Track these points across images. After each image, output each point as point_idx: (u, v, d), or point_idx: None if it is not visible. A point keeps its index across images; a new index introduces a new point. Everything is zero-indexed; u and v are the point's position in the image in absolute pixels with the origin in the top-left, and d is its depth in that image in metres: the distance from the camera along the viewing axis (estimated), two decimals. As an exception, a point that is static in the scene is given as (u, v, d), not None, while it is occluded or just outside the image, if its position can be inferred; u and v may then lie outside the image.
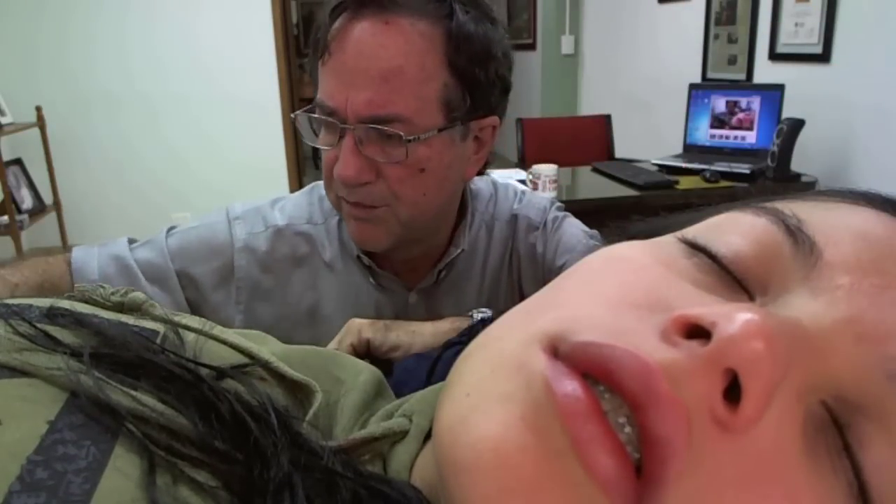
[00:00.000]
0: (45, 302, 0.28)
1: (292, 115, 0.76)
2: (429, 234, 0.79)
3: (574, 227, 0.87)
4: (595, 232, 0.87)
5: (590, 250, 0.30)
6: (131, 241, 0.83)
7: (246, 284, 0.80)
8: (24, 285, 0.72)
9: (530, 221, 0.87)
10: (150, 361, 0.26)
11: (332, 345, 0.67)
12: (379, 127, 0.67)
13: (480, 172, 0.81)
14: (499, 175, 2.33)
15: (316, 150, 6.24)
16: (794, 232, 0.26)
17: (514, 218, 0.87)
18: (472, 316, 0.70)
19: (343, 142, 0.68)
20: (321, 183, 0.87)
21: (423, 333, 0.67)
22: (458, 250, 0.82)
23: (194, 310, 0.80)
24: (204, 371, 0.27)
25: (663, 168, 2.56)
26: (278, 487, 0.23)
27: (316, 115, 0.72)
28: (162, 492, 0.21)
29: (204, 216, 0.84)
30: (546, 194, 2.17)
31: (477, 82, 0.70)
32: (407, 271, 0.83)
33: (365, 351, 0.66)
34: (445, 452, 0.24)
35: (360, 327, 0.67)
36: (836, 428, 0.22)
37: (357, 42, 0.66)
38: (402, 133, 0.67)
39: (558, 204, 0.91)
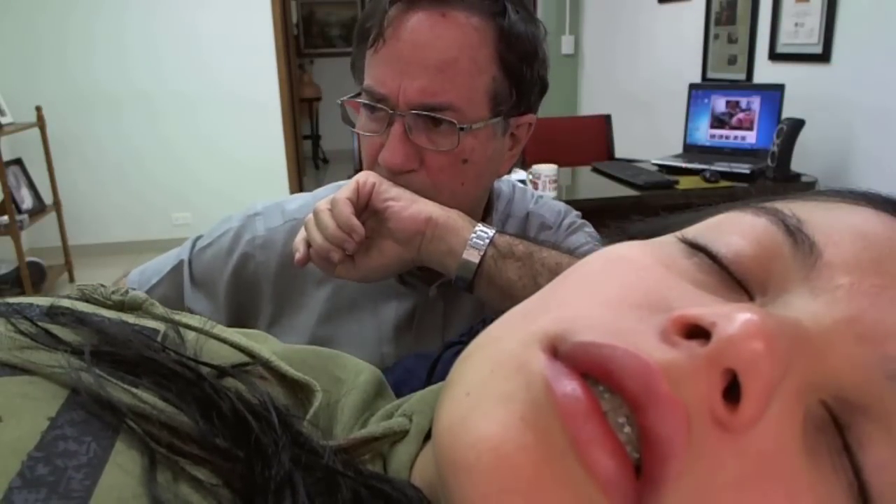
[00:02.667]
0: (45, 300, 0.28)
1: (338, 101, 0.78)
2: None
3: (587, 237, 0.87)
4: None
5: None
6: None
7: (267, 278, 0.80)
8: None
9: (544, 221, 0.87)
10: (150, 359, 0.26)
11: (343, 191, 0.68)
12: (433, 114, 0.69)
13: (509, 170, 0.82)
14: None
15: (316, 151, 6.23)
16: (794, 232, 0.26)
17: (528, 216, 0.88)
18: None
19: (392, 129, 0.70)
20: (345, 182, 0.89)
21: (426, 202, 0.69)
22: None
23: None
24: (205, 369, 0.27)
25: (663, 168, 2.55)
26: (279, 486, 0.23)
27: (362, 101, 0.73)
28: (163, 488, 0.21)
29: (226, 220, 0.85)
30: (546, 194, 2.17)
31: (523, 79, 0.73)
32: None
33: (367, 194, 0.68)
34: (445, 452, 0.24)
35: (368, 174, 0.70)
36: (836, 428, 0.22)
37: (413, 32, 0.68)
38: (454, 121, 0.69)
39: (578, 212, 0.92)
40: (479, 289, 0.67)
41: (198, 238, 0.84)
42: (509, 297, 0.65)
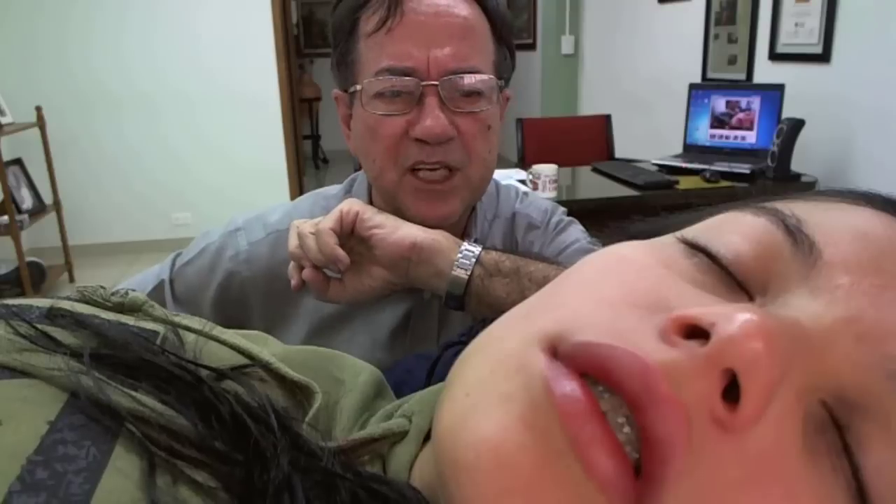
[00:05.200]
0: (45, 302, 0.28)
1: (357, 87, 0.75)
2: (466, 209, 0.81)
3: (577, 234, 0.86)
4: (597, 241, 0.87)
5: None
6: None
7: (256, 293, 0.79)
8: None
9: (531, 221, 0.87)
10: (150, 362, 0.26)
11: (326, 221, 0.68)
12: (473, 73, 0.71)
13: None
14: (499, 175, 2.32)
15: (316, 151, 6.18)
16: (794, 232, 0.26)
17: (514, 216, 0.87)
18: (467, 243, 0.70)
19: (426, 100, 0.70)
20: (326, 189, 0.87)
21: (411, 226, 0.69)
22: (472, 240, 0.82)
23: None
24: (204, 372, 0.27)
25: (663, 168, 2.55)
26: (278, 489, 0.23)
27: (381, 80, 0.71)
28: (162, 492, 0.21)
29: (204, 235, 0.83)
30: (546, 194, 2.17)
31: (512, 52, 0.77)
32: None
33: (351, 223, 0.68)
34: (445, 453, 0.24)
35: (352, 202, 0.70)
36: (835, 428, 0.22)
37: (430, 4, 0.70)
38: (493, 76, 0.72)
39: (564, 209, 0.91)
40: (469, 308, 0.68)
41: (177, 255, 0.84)
42: (500, 315, 0.65)
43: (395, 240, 0.67)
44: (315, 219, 0.71)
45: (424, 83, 0.70)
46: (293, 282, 0.70)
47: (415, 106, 0.71)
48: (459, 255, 0.67)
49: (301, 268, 0.70)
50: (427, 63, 0.69)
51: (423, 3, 0.70)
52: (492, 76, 0.72)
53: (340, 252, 0.66)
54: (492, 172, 0.78)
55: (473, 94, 0.72)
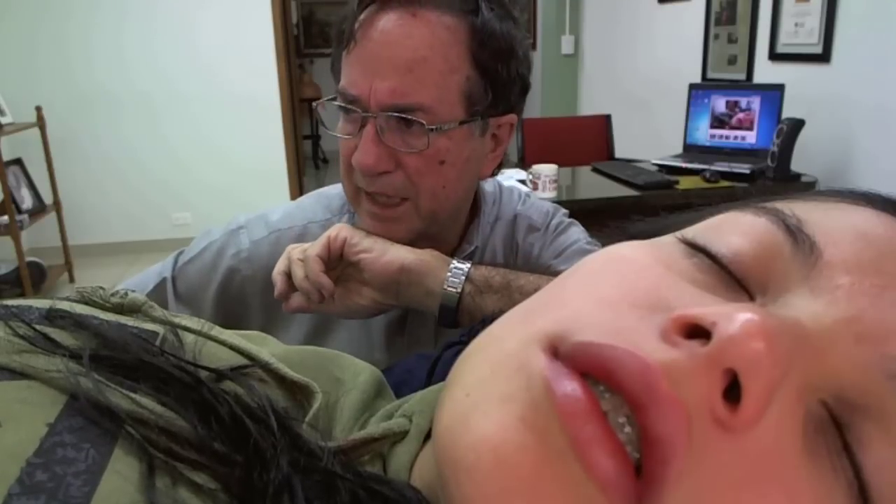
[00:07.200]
0: (44, 303, 0.28)
1: (314, 104, 0.77)
2: (444, 230, 0.79)
3: (577, 235, 0.86)
4: (596, 242, 0.87)
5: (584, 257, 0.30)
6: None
7: (255, 291, 0.80)
8: None
9: (532, 223, 0.87)
10: (149, 363, 0.26)
11: (314, 247, 0.69)
12: (401, 115, 0.67)
13: (494, 172, 0.81)
14: (499, 176, 2.32)
15: (316, 151, 6.17)
16: (794, 231, 0.26)
17: (515, 218, 0.87)
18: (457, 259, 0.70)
19: (364, 130, 0.69)
20: (328, 188, 0.88)
21: (399, 248, 0.69)
22: (472, 248, 0.82)
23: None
24: (203, 373, 0.27)
25: (663, 168, 2.55)
26: (278, 489, 0.23)
27: (337, 103, 0.72)
28: (161, 494, 0.21)
29: (206, 233, 0.84)
30: (546, 194, 2.17)
31: (499, 78, 0.71)
32: None
33: (339, 248, 0.69)
34: (445, 453, 0.24)
35: (340, 228, 0.71)
36: (836, 428, 0.22)
37: (383, 32, 0.67)
38: (423, 122, 0.67)
39: (565, 211, 0.91)
40: (463, 325, 0.68)
41: (179, 253, 0.84)
42: None
43: (383, 263, 0.68)
44: (306, 244, 0.72)
45: (364, 114, 0.68)
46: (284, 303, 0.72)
47: (359, 132, 0.70)
48: (449, 274, 0.68)
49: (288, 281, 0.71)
50: (369, 94, 0.67)
51: (378, 31, 0.67)
52: (426, 125, 0.67)
53: (325, 279, 0.68)
54: (449, 203, 0.74)
55: (415, 129, 0.68)
